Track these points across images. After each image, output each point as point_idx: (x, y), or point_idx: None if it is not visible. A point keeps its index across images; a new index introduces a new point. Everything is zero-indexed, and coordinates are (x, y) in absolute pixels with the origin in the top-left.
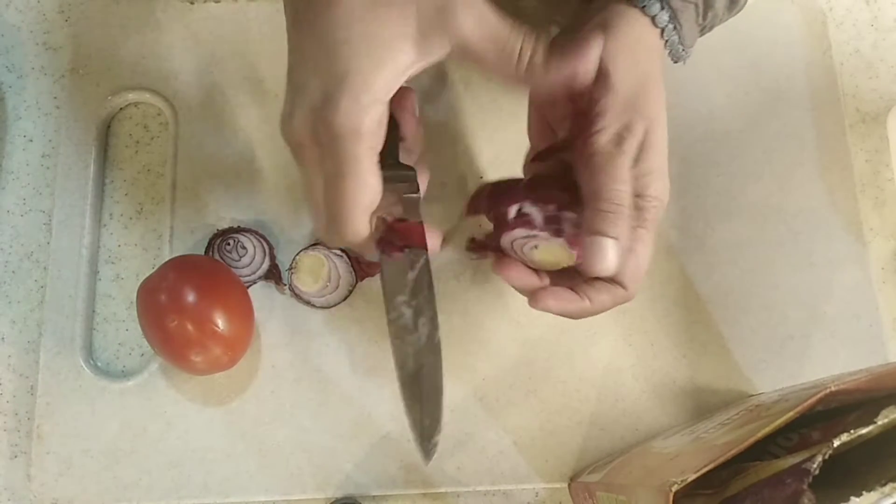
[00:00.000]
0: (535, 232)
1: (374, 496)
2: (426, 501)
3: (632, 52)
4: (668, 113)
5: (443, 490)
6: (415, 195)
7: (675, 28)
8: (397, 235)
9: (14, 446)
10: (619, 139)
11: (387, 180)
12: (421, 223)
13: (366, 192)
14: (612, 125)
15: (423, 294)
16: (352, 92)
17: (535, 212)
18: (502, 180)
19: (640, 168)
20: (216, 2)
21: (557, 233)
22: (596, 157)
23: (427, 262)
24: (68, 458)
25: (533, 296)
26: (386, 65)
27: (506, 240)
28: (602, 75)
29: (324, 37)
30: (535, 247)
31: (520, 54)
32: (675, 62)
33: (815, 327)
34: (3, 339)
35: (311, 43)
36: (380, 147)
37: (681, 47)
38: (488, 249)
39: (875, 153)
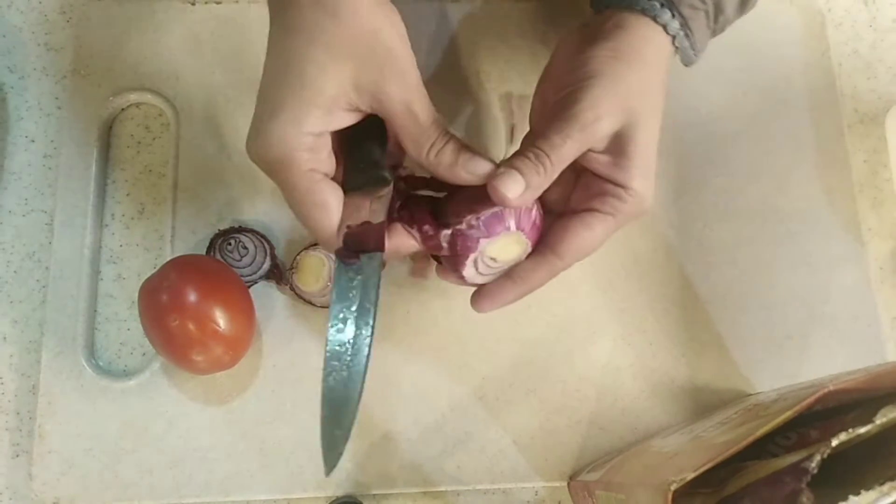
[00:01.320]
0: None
1: (374, 495)
2: (426, 500)
3: (642, 52)
4: (667, 113)
5: (443, 489)
6: (380, 197)
7: (686, 35)
8: (353, 241)
9: (16, 445)
10: (594, 118)
11: (357, 187)
12: (380, 225)
13: (319, 213)
14: (590, 103)
15: (367, 298)
16: (281, 124)
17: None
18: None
19: (622, 159)
20: (217, 3)
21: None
22: (557, 116)
23: (378, 266)
24: (70, 457)
25: (472, 301)
26: (315, 106)
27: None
28: (609, 60)
29: (271, 71)
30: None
31: (431, 146)
32: (687, 66)
33: (813, 327)
34: (4, 338)
35: (265, 75)
36: (325, 168)
37: (692, 52)
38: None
39: (873, 153)
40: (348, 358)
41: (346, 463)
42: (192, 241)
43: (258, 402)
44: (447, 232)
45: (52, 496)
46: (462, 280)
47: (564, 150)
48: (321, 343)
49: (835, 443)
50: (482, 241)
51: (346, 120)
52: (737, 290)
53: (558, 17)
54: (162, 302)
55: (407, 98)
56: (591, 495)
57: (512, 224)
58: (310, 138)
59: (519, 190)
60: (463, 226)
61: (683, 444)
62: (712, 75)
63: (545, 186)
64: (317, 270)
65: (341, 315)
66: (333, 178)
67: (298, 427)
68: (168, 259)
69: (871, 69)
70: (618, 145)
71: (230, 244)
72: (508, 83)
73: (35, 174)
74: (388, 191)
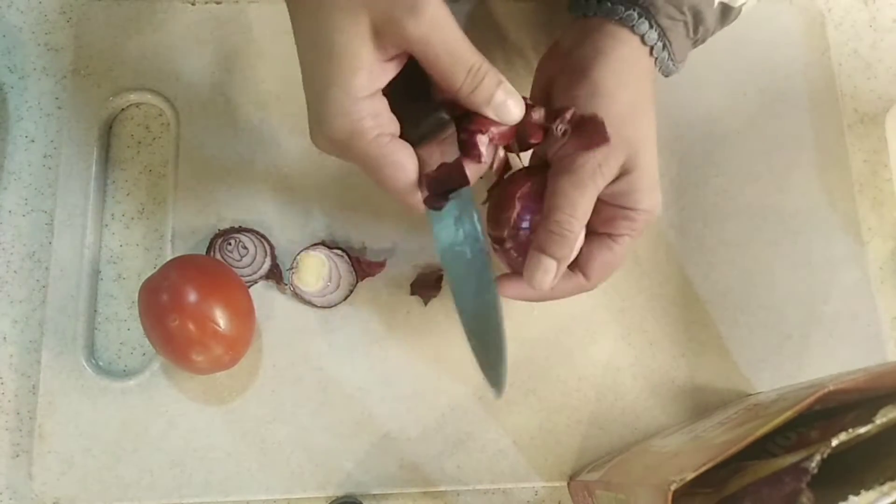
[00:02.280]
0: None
1: (374, 495)
2: (426, 500)
3: (620, 76)
4: (667, 113)
5: (443, 489)
6: (448, 134)
7: (664, 46)
8: (437, 186)
9: (16, 445)
10: (596, 167)
11: (421, 137)
12: (457, 160)
13: (396, 173)
14: (594, 155)
15: (470, 233)
16: (334, 103)
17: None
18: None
19: (628, 186)
20: (217, 3)
21: None
22: (564, 179)
23: (469, 198)
24: (70, 457)
25: (501, 284)
26: (356, 70)
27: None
28: (590, 98)
29: (303, 55)
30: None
31: (467, 74)
32: (666, 76)
33: (813, 327)
34: (4, 338)
35: (301, 62)
36: (390, 129)
37: (671, 63)
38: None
39: (873, 153)
40: (474, 283)
41: (345, 463)
42: (192, 241)
43: (258, 402)
44: (510, 243)
45: (52, 496)
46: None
47: (585, 202)
48: (321, 343)
49: (835, 443)
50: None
51: (391, 70)
52: (737, 290)
53: (558, 18)
54: (162, 302)
55: (425, 30)
56: (591, 495)
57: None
58: (366, 103)
59: (551, 275)
60: (519, 232)
61: (683, 444)
62: (712, 75)
63: (575, 248)
64: (316, 270)
65: (456, 249)
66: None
67: (298, 427)
68: (168, 259)
69: (871, 69)
70: (623, 174)
71: (230, 244)
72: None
73: (35, 174)
74: (451, 131)
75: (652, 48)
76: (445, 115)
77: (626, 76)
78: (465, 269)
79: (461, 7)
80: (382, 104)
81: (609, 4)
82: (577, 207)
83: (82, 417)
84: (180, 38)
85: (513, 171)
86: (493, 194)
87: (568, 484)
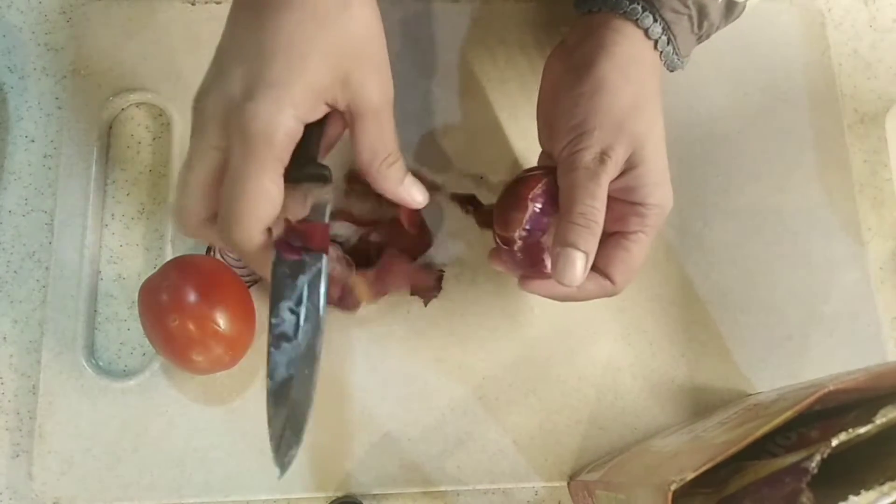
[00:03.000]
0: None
1: (374, 495)
2: (426, 500)
3: (625, 71)
4: (667, 113)
5: (443, 489)
6: (325, 197)
7: (668, 40)
8: (297, 236)
9: (16, 445)
10: (602, 158)
11: (297, 181)
12: (325, 225)
13: (265, 201)
14: (596, 144)
15: (311, 300)
16: (275, 99)
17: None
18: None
19: (635, 181)
20: (217, 3)
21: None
22: (576, 174)
23: (323, 267)
24: (70, 457)
25: (522, 280)
26: (311, 92)
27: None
28: (595, 94)
29: (265, 38)
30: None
31: (387, 157)
32: (671, 71)
33: (813, 327)
34: (4, 338)
35: (250, 37)
36: (286, 162)
37: (676, 58)
38: (511, 261)
39: (873, 153)
40: (297, 357)
41: (345, 463)
42: (192, 241)
43: (258, 402)
44: (518, 243)
45: (51, 496)
46: (547, 275)
47: (601, 191)
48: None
49: (835, 443)
50: (546, 239)
51: (319, 114)
52: (737, 290)
53: (558, 18)
54: (162, 302)
55: (384, 104)
56: (590, 495)
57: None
58: (294, 123)
59: (580, 269)
60: (529, 233)
61: (683, 444)
62: (712, 75)
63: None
64: None
65: (285, 313)
66: None
67: None
68: (168, 259)
69: (872, 69)
70: (629, 169)
71: None
72: (508, 83)
73: (35, 174)
74: (329, 190)
75: (656, 42)
76: (328, 174)
77: (630, 71)
78: (292, 331)
79: (461, 7)
80: (299, 133)
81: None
82: (595, 196)
83: (82, 417)
84: (180, 39)
85: (522, 172)
86: (503, 195)
87: (568, 484)
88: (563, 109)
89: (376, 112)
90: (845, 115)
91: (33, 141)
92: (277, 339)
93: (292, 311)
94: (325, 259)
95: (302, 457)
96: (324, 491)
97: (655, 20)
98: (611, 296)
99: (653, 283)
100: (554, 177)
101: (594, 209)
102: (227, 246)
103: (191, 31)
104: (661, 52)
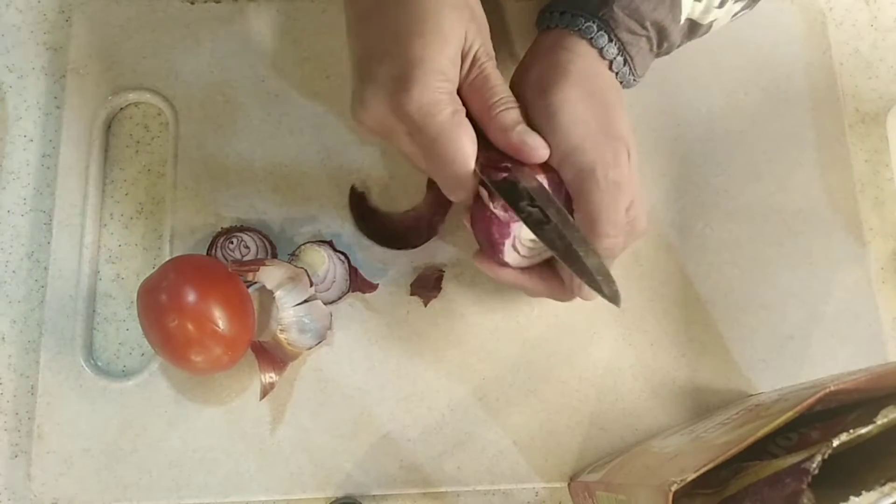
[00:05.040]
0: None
1: (374, 495)
2: (426, 501)
3: (581, 96)
4: (668, 112)
5: (443, 489)
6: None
7: (624, 61)
8: (496, 158)
9: (14, 446)
10: (576, 172)
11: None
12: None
13: (466, 145)
14: (563, 160)
15: (539, 197)
16: (428, 73)
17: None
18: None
19: (586, 214)
20: (216, 2)
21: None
22: (574, 193)
23: (528, 172)
24: (69, 457)
25: (476, 254)
26: (452, 56)
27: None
28: (551, 123)
29: (397, 31)
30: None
31: (499, 100)
32: (625, 88)
33: (814, 327)
34: (3, 338)
35: (382, 37)
36: (464, 110)
37: (631, 77)
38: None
39: (874, 153)
40: (558, 228)
41: (345, 463)
42: (191, 241)
43: (257, 403)
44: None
45: (50, 496)
46: (504, 265)
47: (621, 212)
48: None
49: (836, 443)
50: (514, 226)
51: (464, 68)
52: (738, 290)
53: None
54: (161, 302)
55: (490, 55)
56: (591, 496)
57: None
58: (450, 84)
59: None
60: (497, 212)
61: (684, 445)
62: (713, 75)
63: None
64: (315, 265)
65: (528, 208)
66: None
67: (298, 428)
68: (167, 259)
69: (873, 68)
70: (578, 202)
71: (232, 243)
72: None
73: (34, 174)
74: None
75: (611, 62)
76: None
77: (584, 93)
78: (543, 216)
79: None
80: (455, 90)
81: (570, 17)
82: (616, 224)
83: (81, 418)
84: (179, 38)
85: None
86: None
87: (568, 485)
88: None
89: (488, 61)
90: (846, 115)
91: (32, 140)
92: (535, 224)
93: (531, 205)
94: (527, 170)
95: (301, 457)
96: (323, 492)
97: (611, 40)
98: (562, 300)
99: (653, 283)
100: (555, 172)
101: (618, 239)
102: (450, 193)
103: (190, 30)
104: (617, 73)
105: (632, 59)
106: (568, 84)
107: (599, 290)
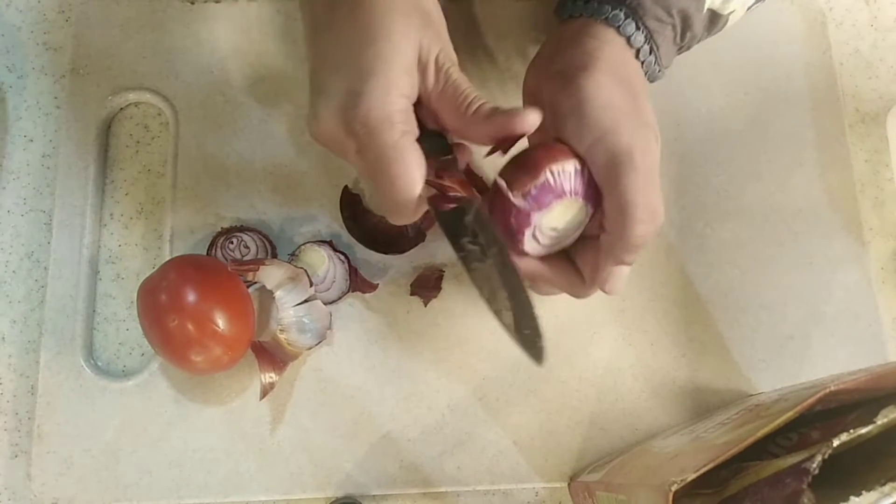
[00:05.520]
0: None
1: (374, 495)
2: (426, 501)
3: (611, 82)
4: (668, 112)
5: (443, 489)
6: (450, 156)
7: (651, 50)
8: (444, 189)
9: (14, 446)
10: (611, 156)
11: (425, 152)
12: (462, 175)
13: (412, 169)
14: (595, 145)
15: (484, 233)
16: (379, 88)
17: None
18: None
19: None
20: (216, 2)
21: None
22: (607, 178)
23: (479, 208)
24: (69, 457)
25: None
26: (405, 71)
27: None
28: (582, 108)
29: (348, 42)
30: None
31: (471, 101)
32: (651, 82)
33: (814, 327)
34: (3, 338)
35: (335, 48)
36: (415, 132)
37: (657, 68)
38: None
39: (874, 153)
40: (497, 274)
41: (345, 463)
42: (190, 241)
43: (257, 403)
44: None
45: (50, 496)
46: (524, 254)
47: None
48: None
49: (836, 443)
50: (535, 215)
51: (418, 82)
52: (738, 290)
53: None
54: (161, 302)
55: (452, 59)
56: (591, 496)
57: (565, 189)
58: (403, 100)
59: (625, 280)
60: (517, 202)
61: (684, 445)
62: (713, 74)
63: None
64: (315, 265)
65: (467, 246)
66: None
67: (298, 427)
68: (167, 259)
69: (873, 68)
70: (611, 187)
71: (232, 243)
72: (507, 83)
73: (34, 174)
74: (453, 157)
75: (638, 51)
76: (449, 140)
77: (614, 80)
78: (480, 254)
79: (461, 7)
80: (411, 108)
81: (596, 4)
82: (652, 210)
83: (81, 418)
84: (179, 38)
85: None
86: (520, 155)
87: (568, 485)
88: (559, 120)
89: (451, 67)
90: (846, 115)
91: (32, 140)
92: (471, 262)
93: (472, 243)
94: (476, 203)
95: (301, 457)
96: (323, 492)
97: (638, 28)
98: (580, 296)
99: (654, 283)
100: (580, 163)
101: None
102: (391, 216)
103: (190, 30)
104: (643, 62)
105: (657, 48)
106: (598, 70)
107: (521, 344)
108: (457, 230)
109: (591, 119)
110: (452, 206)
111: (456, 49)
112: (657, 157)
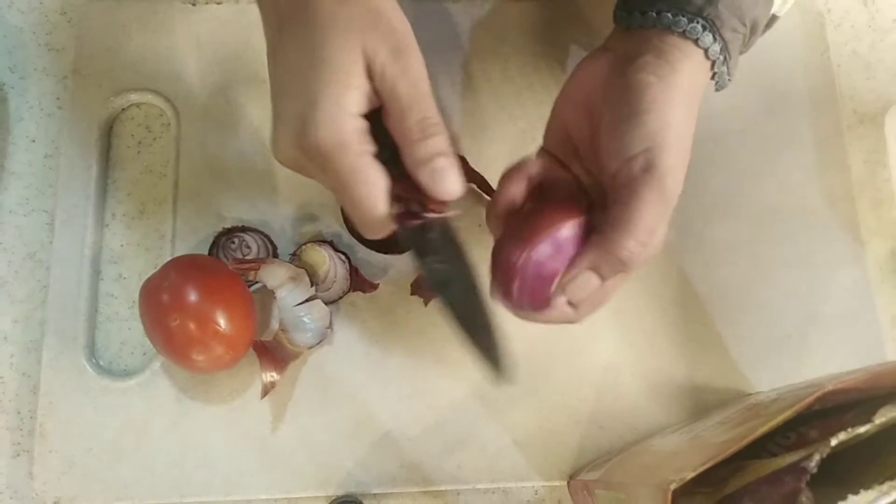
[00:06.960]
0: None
1: (374, 494)
2: (426, 499)
3: (683, 101)
4: None
5: (443, 488)
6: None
7: (724, 60)
8: (408, 204)
9: (16, 445)
10: (649, 167)
11: (391, 166)
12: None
13: (373, 190)
14: (641, 154)
15: (449, 249)
16: (326, 113)
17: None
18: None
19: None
20: (218, 3)
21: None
22: (630, 185)
23: (445, 223)
24: (71, 456)
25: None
26: (353, 88)
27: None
28: (637, 121)
29: (294, 66)
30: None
31: (408, 130)
32: (718, 91)
33: (812, 327)
34: (5, 338)
35: (284, 72)
36: (371, 147)
37: (728, 77)
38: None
39: (872, 154)
40: (459, 295)
41: (346, 462)
42: (192, 241)
43: (258, 402)
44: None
45: (52, 495)
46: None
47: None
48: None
49: (834, 442)
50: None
51: (371, 102)
52: (736, 290)
53: (558, 17)
54: (163, 301)
55: (404, 66)
56: (590, 494)
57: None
58: (356, 120)
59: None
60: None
61: (683, 444)
62: None
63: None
64: (316, 266)
65: (433, 265)
66: None
67: (298, 426)
68: (169, 259)
69: (871, 69)
70: (626, 197)
71: (234, 243)
72: (509, 83)
73: (36, 174)
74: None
75: (713, 62)
76: None
77: (686, 98)
78: (446, 276)
79: (461, 7)
80: (366, 125)
81: (669, 16)
82: (653, 234)
83: (83, 417)
84: (181, 39)
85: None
86: (513, 224)
87: (568, 483)
88: (612, 122)
89: (400, 76)
90: (844, 116)
91: (34, 141)
92: (438, 285)
93: (439, 262)
94: (443, 219)
95: (302, 456)
96: (324, 490)
97: (715, 40)
98: (569, 322)
99: (653, 283)
100: (580, 214)
101: (652, 231)
102: (364, 232)
103: (191, 31)
104: (716, 73)
105: (730, 59)
106: (675, 85)
107: (487, 366)
108: (422, 247)
109: (650, 130)
110: (416, 221)
111: (456, 50)
112: (680, 188)
